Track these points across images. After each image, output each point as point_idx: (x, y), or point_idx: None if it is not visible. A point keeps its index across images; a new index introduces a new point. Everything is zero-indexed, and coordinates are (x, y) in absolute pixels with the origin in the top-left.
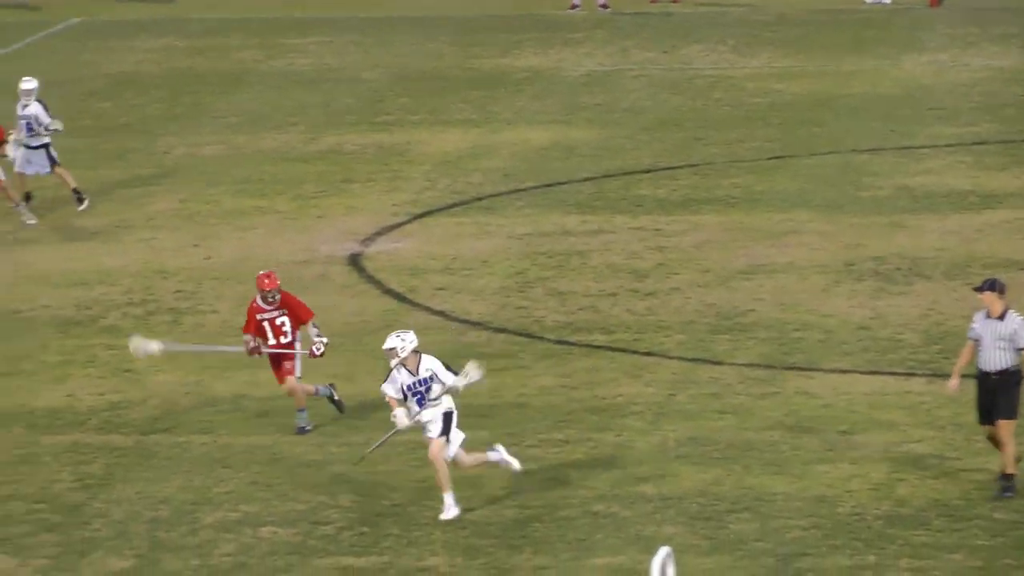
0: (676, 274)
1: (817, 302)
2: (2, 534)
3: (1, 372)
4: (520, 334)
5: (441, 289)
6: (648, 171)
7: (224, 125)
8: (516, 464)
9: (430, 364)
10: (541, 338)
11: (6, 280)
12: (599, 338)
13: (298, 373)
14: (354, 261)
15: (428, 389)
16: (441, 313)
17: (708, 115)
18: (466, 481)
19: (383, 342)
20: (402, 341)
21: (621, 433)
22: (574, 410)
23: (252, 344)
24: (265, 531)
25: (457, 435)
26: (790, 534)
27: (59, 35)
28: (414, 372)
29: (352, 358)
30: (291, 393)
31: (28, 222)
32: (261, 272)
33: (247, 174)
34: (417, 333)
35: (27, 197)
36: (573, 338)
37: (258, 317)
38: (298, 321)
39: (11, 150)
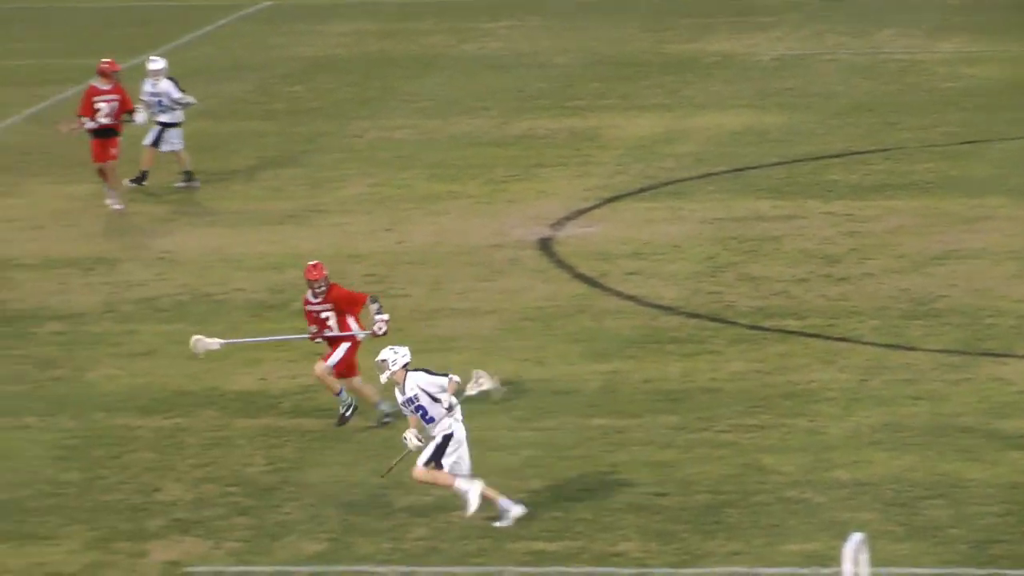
0: (869, 259)
1: (1011, 288)
2: (196, 517)
3: (194, 356)
4: (712, 319)
5: (632, 274)
6: (840, 156)
7: (415, 109)
8: (471, 508)
9: (416, 381)
10: (734, 323)
11: (199, 263)
12: (792, 323)
13: (331, 363)
14: (545, 245)
15: (422, 408)
16: (633, 298)
17: (900, 100)
18: (658, 465)
19: (574, 326)
20: (394, 354)
21: (814, 419)
22: (767, 395)
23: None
24: (456, 515)
25: (457, 464)
26: (983, 520)
27: (250, 18)
28: (402, 390)
29: (542, 342)
30: (319, 379)
31: (115, 207)
32: (309, 263)
33: (439, 158)
34: (609, 317)
35: (188, 176)
36: (766, 323)
37: (307, 309)
38: (351, 311)
39: (140, 117)
